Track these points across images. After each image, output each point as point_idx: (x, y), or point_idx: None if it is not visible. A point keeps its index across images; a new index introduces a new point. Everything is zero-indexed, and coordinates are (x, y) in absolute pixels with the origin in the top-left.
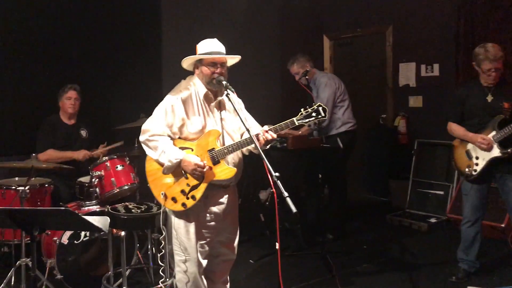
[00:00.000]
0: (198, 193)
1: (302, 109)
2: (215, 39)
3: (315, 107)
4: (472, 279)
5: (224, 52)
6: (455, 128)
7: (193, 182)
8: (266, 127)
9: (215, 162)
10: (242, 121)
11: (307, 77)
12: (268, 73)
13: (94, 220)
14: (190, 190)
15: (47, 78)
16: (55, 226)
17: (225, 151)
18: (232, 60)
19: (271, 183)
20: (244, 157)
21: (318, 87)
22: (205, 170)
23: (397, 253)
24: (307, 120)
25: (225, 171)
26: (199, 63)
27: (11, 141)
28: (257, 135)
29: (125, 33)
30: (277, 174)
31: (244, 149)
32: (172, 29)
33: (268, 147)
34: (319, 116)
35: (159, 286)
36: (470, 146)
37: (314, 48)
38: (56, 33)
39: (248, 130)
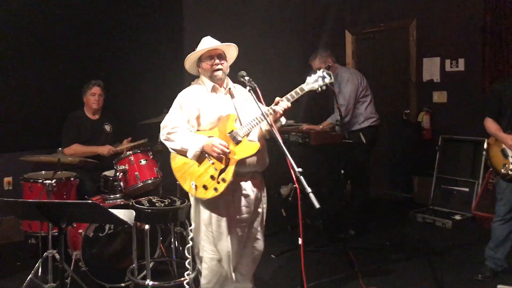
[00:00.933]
0: (228, 175)
1: (307, 77)
2: (209, 36)
3: (319, 72)
4: (500, 277)
5: (218, 44)
6: (489, 125)
7: (220, 165)
8: (277, 98)
9: (237, 141)
10: (259, 107)
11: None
12: (289, 68)
13: (120, 213)
14: (219, 174)
15: (72, 74)
16: (82, 219)
17: (245, 129)
18: (233, 52)
19: (294, 178)
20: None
21: (340, 82)
22: (226, 149)
23: (420, 249)
24: (315, 85)
25: (249, 147)
26: (199, 61)
27: (37, 136)
28: (272, 110)
29: (148, 29)
30: (300, 169)
31: (264, 130)
32: (194, 25)
33: (284, 122)
34: (325, 80)
35: (181, 279)
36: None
37: (336, 43)
38: (80, 30)
39: (262, 110)
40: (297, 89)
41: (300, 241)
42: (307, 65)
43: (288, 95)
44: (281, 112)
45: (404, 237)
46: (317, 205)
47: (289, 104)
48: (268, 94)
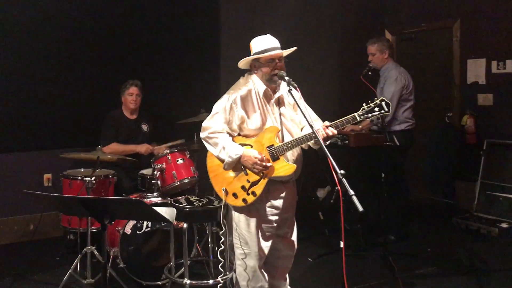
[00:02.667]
0: (259, 189)
1: (364, 104)
2: (268, 35)
3: (377, 101)
4: None
5: (279, 46)
6: None
7: (253, 178)
8: (326, 123)
9: (274, 158)
10: (304, 116)
11: (370, 72)
12: (326, 68)
13: (162, 211)
14: (251, 186)
15: (111, 73)
16: (125, 216)
17: (284, 147)
18: (287, 52)
19: (336, 181)
20: (303, 153)
21: (386, 79)
22: (265, 163)
23: (464, 257)
24: (370, 115)
25: (285, 167)
26: (256, 62)
27: (76, 134)
28: (317, 131)
29: (185, 28)
30: (342, 171)
31: (303, 145)
32: (230, 25)
33: (327, 143)
34: (382, 111)
35: (218, 280)
36: None
37: None
38: (119, 30)
39: (311, 125)
40: (349, 118)
41: (341, 244)
42: (343, 65)
43: (338, 122)
44: (327, 137)
45: (446, 244)
46: (360, 208)
47: (336, 132)
48: (304, 95)
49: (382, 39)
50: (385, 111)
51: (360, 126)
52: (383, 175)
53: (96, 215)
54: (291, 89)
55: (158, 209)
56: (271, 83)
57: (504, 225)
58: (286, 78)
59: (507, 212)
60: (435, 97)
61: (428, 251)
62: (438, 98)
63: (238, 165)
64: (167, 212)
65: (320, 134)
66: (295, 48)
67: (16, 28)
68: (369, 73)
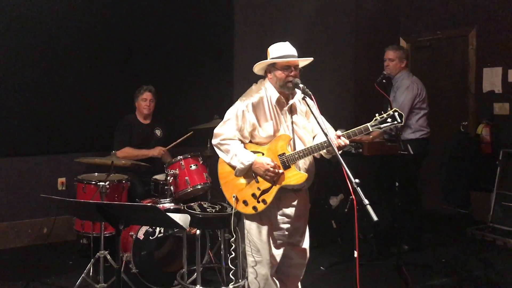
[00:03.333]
0: (269, 197)
1: (377, 114)
2: (287, 42)
3: (390, 112)
4: None
5: (296, 55)
6: None
7: (264, 186)
8: (339, 132)
9: (286, 167)
10: (319, 124)
11: (384, 80)
12: (341, 76)
13: (176, 217)
14: (261, 194)
15: (125, 78)
16: (140, 221)
17: (296, 156)
18: (303, 62)
19: (351, 190)
20: (315, 161)
21: (398, 88)
22: (277, 171)
23: (480, 269)
24: (382, 126)
25: (296, 176)
26: (272, 67)
27: (90, 138)
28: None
29: (199, 35)
30: (357, 180)
31: (316, 154)
32: (245, 31)
33: (340, 152)
34: (395, 122)
35: (230, 287)
36: None
37: None
38: (133, 36)
39: (325, 133)
40: (362, 128)
41: (356, 254)
42: (358, 73)
43: (350, 132)
44: (339, 147)
45: (461, 255)
46: (375, 218)
47: (348, 142)
48: (318, 103)
49: (402, 47)
50: (398, 122)
51: (371, 137)
52: (397, 184)
53: (110, 221)
54: (306, 97)
55: (173, 215)
56: (285, 89)
57: None
58: (301, 85)
59: None
60: (450, 106)
61: (443, 262)
62: (453, 106)
63: (249, 172)
64: (181, 219)
65: (333, 143)
66: (312, 59)
67: (32, 33)
68: (384, 80)
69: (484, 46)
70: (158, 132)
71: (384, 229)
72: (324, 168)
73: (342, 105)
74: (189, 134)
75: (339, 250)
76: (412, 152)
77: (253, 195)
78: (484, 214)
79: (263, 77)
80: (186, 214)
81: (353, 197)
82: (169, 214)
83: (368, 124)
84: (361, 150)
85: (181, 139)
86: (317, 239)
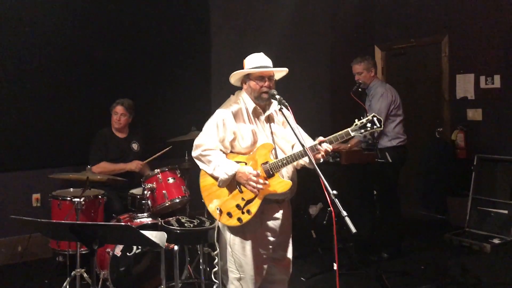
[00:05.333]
0: (254, 207)
1: (356, 120)
2: (261, 53)
3: (370, 117)
4: None
5: (271, 66)
6: None
7: (248, 196)
8: (321, 138)
9: (270, 175)
10: (295, 134)
11: (360, 88)
12: (317, 85)
13: (152, 235)
14: (246, 204)
15: (100, 91)
16: (115, 241)
17: (280, 163)
18: (280, 73)
19: (329, 201)
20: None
21: (373, 97)
22: (261, 182)
23: (458, 274)
24: (362, 130)
25: (281, 184)
26: (246, 78)
27: (65, 153)
28: (312, 148)
29: (175, 47)
30: (335, 192)
31: (297, 164)
32: (221, 43)
33: (321, 160)
34: (374, 127)
35: None
36: None
37: None
38: (109, 48)
39: (302, 144)
40: (343, 133)
41: (335, 266)
42: (333, 81)
43: (331, 137)
44: (322, 153)
45: (439, 261)
46: (353, 230)
47: (331, 148)
48: (294, 112)
49: (367, 57)
50: (378, 127)
51: (349, 144)
52: (375, 192)
53: (84, 241)
54: (282, 108)
55: (148, 233)
56: (260, 100)
57: (496, 241)
58: (277, 96)
59: (499, 228)
60: (425, 112)
61: (422, 269)
62: (428, 113)
63: (232, 183)
64: (157, 237)
65: (321, 150)
66: (287, 69)
67: (3, 48)
68: (359, 89)
69: (456, 53)
70: (135, 146)
71: (364, 237)
72: (302, 176)
73: (318, 114)
74: (167, 148)
75: (319, 260)
76: (390, 160)
77: (238, 206)
78: (461, 219)
79: (241, 88)
80: (163, 232)
81: (332, 209)
82: (144, 232)
83: (349, 129)
84: (338, 159)
85: (159, 153)
86: (297, 250)
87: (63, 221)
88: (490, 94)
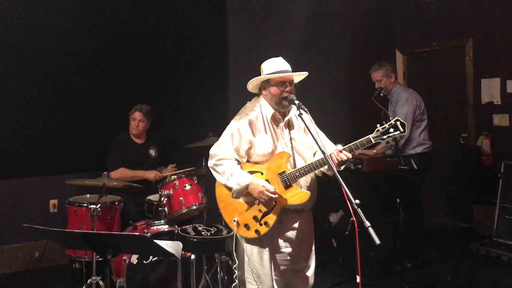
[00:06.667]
0: (271, 219)
1: (378, 125)
2: (280, 58)
3: (392, 122)
4: None
5: (290, 70)
6: None
7: (265, 207)
8: (340, 146)
9: (287, 186)
10: (316, 141)
11: (382, 93)
12: (336, 89)
13: (167, 245)
14: (263, 216)
15: (117, 97)
16: (129, 251)
17: (297, 174)
18: (298, 77)
19: (351, 211)
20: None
21: (397, 102)
22: (274, 196)
23: (486, 286)
24: (385, 136)
25: (298, 195)
26: (266, 83)
27: (82, 158)
28: (330, 156)
29: (193, 53)
30: (357, 201)
31: (317, 171)
32: (239, 48)
33: (342, 168)
34: (397, 132)
35: None
36: None
37: None
38: (126, 54)
39: (323, 151)
40: (364, 140)
41: (358, 279)
42: (353, 86)
43: (352, 145)
44: (338, 162)
45: (465, 272)
46: (377, 241)
47: (350, 156)
48: (314, 118)
49: (384, 63)
50: (401, 132)
51: (374, 150)
52: (398, 200)
53: (98, 250)
54: (302, 113)
55: (163, 243)
56: (280, 106)
57: None
58: (296, 101)
59: None
60: (449, 118)
61: (447, 280)
62: (452, 119)
63: (248, 194)
64: (172, 247)
65: (334, 160)
66: (307, 73)
67: (20, 52)
68: (381, 94)
69: (481, 57)
70: (152, 152)
71: (386, 246)
72: (322, 183)
73: (338, 118)
74: (189, 169)
75: (340, 270)
76: (416, 167)
77: (255, 217)
78: (487, 228)
79: (257, 95)
80: (178, 242)
81: (354, 219)
82: (159, 242)
83: (370, 136)
84: (360, 166)
85: (180, 171)
86: (317, 259)
87: (76, 231)
88: None
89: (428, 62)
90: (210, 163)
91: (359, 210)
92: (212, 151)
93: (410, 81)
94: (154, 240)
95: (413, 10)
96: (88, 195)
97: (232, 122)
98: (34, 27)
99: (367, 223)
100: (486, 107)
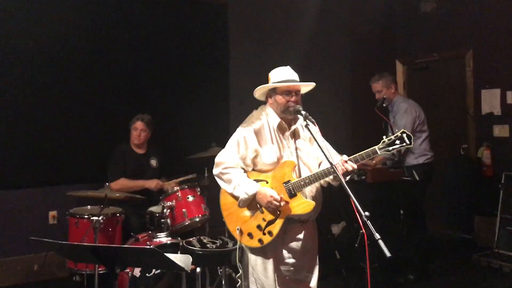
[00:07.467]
0: (275, 228)
1: (384, 137)
2: (288, 67)
3: (398, 134)
4: None
5: (298, 80)
6: None
7: (270, 216)
8: (345, 157)
9: (292, 195)
10: (323, 151)
11: (384, 104)
12: (338, 100)
13: (177, 259)
14: (267, 225)
15: (118, 107)
16: (138, 264)
17: (302, 183)
18: (305, 88)
19: (361, 224)
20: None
21: (397, 113)
22: (281, 204)
23: None
24: (390, 148)
25: (303, 205)
26: (272, 92)
27: (83, 170)
28: (335, 166)
29: (194, 63)
30: (367, 213)
31: (322, 181)
32: (240, 56)
33: (347, 178)
34: (404, 144)
35: None
36: None
37: None
38: (126, 64)
39: (330, 162)
40: (369, 151)
41: None
42: (354, 96)
43: (357, 155)
44: (346, 172)
45: (468, 284)
46: (388, 254)
47: (355, 166)
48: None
49: (384, 74)
50: (407, 144)
51: (374, 162)
52: (401, 211)
53: (106, 264)
54: (308, 124)
55: (173, 256)
56: (287, 114)
57: None
58: (303, 112)
59: None
60: (449, 129)
61: None
62: (452, 129)
63: (253, 203)
64: (182, 260)
65: (340, 170)
66: (314, 84)
67: (21, 61)
68: (383, 104)
69: (481, 68)
70: (153, 162)
71: (389, 258)
72: (324, 194)
73: (339, 129)
74: (190, 176)
75: (343, 282)
76: (418, 178)
77: (259, 226)
78: (488, 239)
79: (261, 102)
80: (187, 255)
81: (364, 231)
82: (169, 255)
83: (376, 147)
84: (364, 177)
85: (181, 178)
86: (320, 270)
87: (85, 244)
88: None
89: (429, 73)
90: (216, 171)
91: (368, 222)
92: (217, 159)
93: (410, 92)
94: (165, 254)
95: (414, 21)
96: (89, 207)
97: (238, 130)
98: (34, 37)
99: (377, 236)
100: (487, 118)
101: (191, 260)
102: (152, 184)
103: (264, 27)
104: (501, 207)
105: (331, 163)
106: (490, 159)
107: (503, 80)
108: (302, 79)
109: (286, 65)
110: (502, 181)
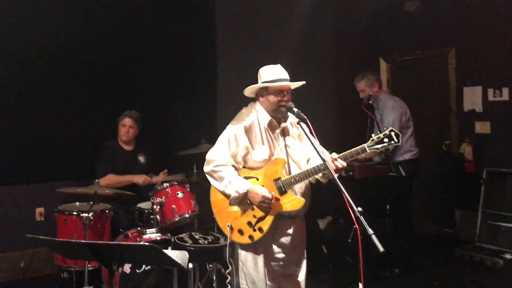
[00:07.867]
0: (265, 225)
1: (373, 135)
2: (279, 65)
3: (387, 132)
4: None
5: (289, 79)
6: None
7: (260, 213)
8: (334, 155)
9: (282, 192)
10: (316, 149)
11: (370, 101)
12: (323, 97)
13: (174, 255)
14: (257, 222)
15: (106, 104)
16: (135, 261)
17: (292, 180)
18: (294, 85)
19: (354, 219)
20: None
21: (383, 110)
22: (273, 201)
23: None
24: (379, 146)
25: (293, 201)
26: (264, 91)
27: (69, 166)
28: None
29: (182, 59)
30: (359, 209)
31: (311, 178)
32: (227, 55)
33: (336, 175)
34: (392, 142)
35: None
36: None
37: None
38: (114, 61)
39: (323, 159)
40: (358, 149)
41: (360, 286)
42: (341, 94)
43: (347, 153)
44: (335, 169)
45: (452, 277)
46: (381, 249)
47: (345, 164)
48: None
49: (366, 74)
50: (395, 142)
51: (364, 155)
52: (388, 207)
53: (103, 261)
54: (300, 121)
55: (169, 252)
56: (278, 113)
57: (508, 256)
58: (295, 109)
59: (510, 243)
60: (432, 126)
61: (435, 285)
62: (435, 126)
63: (244, 200)
64: (179, 256)
65: (331, 166)
66: (304, 82)
67: (8, 58)
68: (369, 101)
69: (463, 66)
70: (141, 159)
71: (375, 253)
72: (311, 189)
73: (325, 126)
74: (180, 176)
75: (330, 277)
76: (404, 174)
77: (249, 223)
78: (470, 233)
79: (249, 99)
80: (184, 251)
81: (357, 226)
82: (167, 252)
83: (365, 145)
84: (351, 173)
85: (170, 177)
86: (308, 265)
87: (82, 241)
88: (498, 107)
89: (412, 71)
90: (207, 168)
91: (361, 217)
92: (208, 156)
93: (394, 89)
94: (164, 251)
95: (397, 19)
96: (77, 203)
97: (228, 127)
98: (21, 34)
99: (370, 231)
100: (468, 115)
101: (188, 256)
102: (140, 179)
103: (251, 25)
104: (483, 202)
105: (323, 160)
106: (472, 155)
107: (485, 78)
108: (289, 78)
109: (275, 63)
110: (484, 177)
